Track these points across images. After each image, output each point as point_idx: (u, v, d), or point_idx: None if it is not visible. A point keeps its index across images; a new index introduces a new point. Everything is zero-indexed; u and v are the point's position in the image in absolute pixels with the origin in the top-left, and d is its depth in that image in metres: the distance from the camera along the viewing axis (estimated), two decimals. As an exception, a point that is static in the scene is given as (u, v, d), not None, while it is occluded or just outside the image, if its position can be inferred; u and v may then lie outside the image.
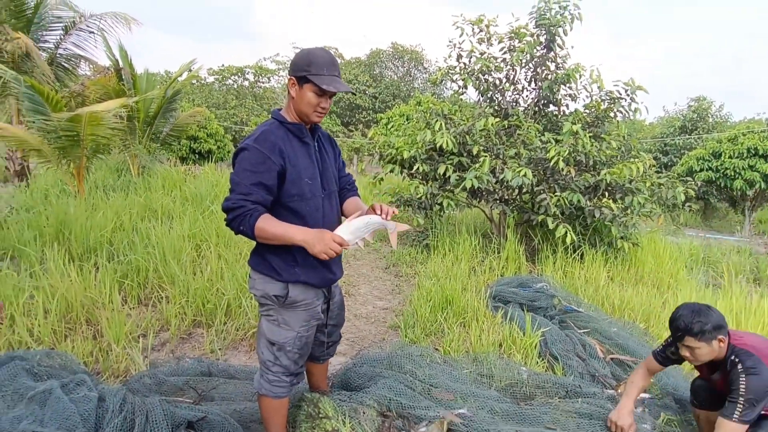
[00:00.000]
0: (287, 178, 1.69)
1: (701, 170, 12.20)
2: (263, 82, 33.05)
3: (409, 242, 5.89)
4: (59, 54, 9.03)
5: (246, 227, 1.63)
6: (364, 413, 2.25)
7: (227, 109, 29.02)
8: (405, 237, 6.09)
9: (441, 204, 5.47)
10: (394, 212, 1.70)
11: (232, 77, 31.98)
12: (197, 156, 14.68)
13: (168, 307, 3.29)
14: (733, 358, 1.93)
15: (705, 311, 1.96)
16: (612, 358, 3.13)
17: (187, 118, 9.96)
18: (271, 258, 1.72)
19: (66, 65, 9.22)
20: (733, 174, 11.59)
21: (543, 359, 3.02)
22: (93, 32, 8.87)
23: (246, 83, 32.40)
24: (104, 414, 1.95)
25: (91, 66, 10.02)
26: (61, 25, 8.87)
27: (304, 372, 1.95)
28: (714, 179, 11.99)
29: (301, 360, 1.87)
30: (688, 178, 6.32)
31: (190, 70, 9.65)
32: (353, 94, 1.81)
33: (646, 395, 2.61)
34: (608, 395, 2.57)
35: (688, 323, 1.93)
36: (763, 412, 1.91)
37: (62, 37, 8.89)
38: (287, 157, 1.70)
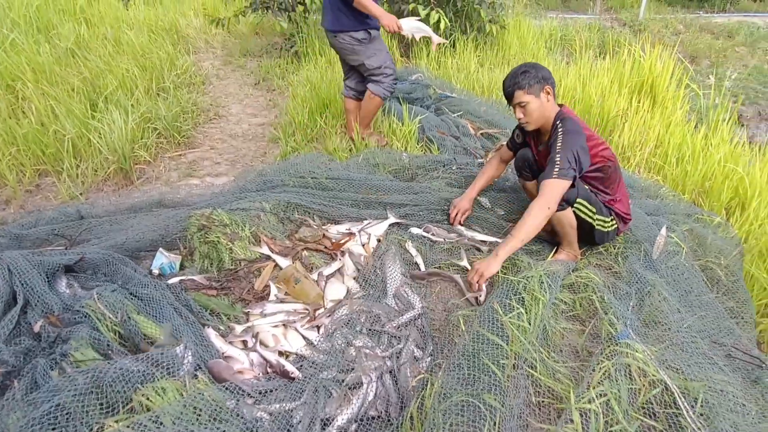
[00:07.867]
0: None
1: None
2: None
3: (276, 53, 5.33)
4: None
5: None
6: (261, 218, 2.24)
7: None
8: (271, 48, 5.48)
9: (304, 3, 4.84)
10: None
11: None
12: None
13: (-5, 162, 2.74)
14: (557, 123, 1.94)
15: (531, 66, 1.95)
16: (482, 133, 3.42)
17: None
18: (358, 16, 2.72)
19: None
20: (588, -51, 11.67)
21: (421, 143, 3.18)
22: None
23: None
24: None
25: None
26: None
27: None
28: (572, -44, 12.02)
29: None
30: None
31: None
32: None
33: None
34: (479, 163, 2.85)
35: (516, 77, 1.93)
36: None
37: None
38: None
